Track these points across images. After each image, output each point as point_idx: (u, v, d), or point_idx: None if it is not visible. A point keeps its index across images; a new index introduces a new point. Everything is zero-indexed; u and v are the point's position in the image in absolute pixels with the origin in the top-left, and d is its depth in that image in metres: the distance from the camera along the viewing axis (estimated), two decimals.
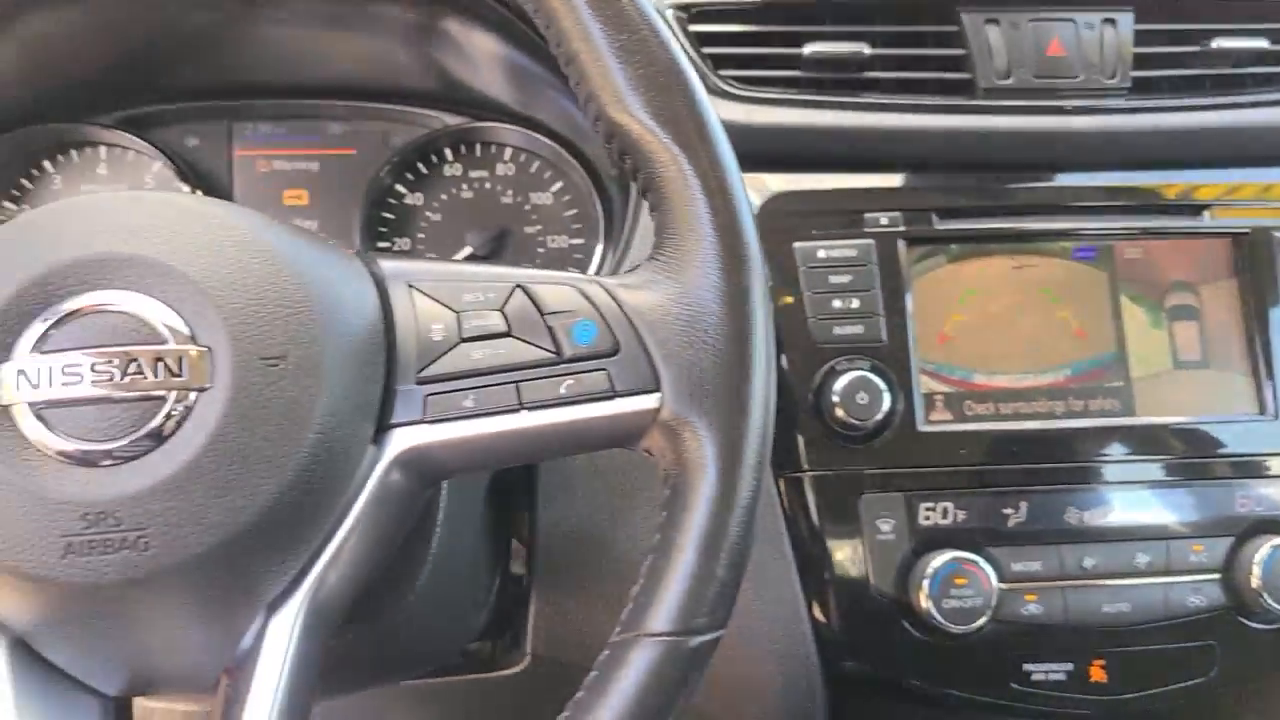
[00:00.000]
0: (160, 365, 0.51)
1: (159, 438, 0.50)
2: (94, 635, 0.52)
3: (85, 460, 0.50)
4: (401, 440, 0.55)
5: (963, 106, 0.88)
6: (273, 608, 0.53)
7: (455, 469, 0.58)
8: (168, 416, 0.50)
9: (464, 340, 0.56)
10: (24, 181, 0.99)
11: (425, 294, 0.57)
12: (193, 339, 0.51)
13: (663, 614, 0.52)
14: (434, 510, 0.70)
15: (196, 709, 0.79)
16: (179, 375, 0.51)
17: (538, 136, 1.01)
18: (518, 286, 0.57)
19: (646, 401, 0.55)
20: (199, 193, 0.99)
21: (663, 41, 0.57)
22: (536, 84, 0.94)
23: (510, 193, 1.04)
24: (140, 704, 0.64)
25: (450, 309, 0.57)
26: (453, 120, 1.03)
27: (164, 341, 0.51)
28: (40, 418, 0.50)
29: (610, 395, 0.55)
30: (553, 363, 0.55)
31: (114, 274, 0.52)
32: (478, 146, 1.04)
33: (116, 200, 0.56)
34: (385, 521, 0.56)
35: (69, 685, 0.54)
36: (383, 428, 0.55)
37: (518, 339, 0.56)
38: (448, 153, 1.04)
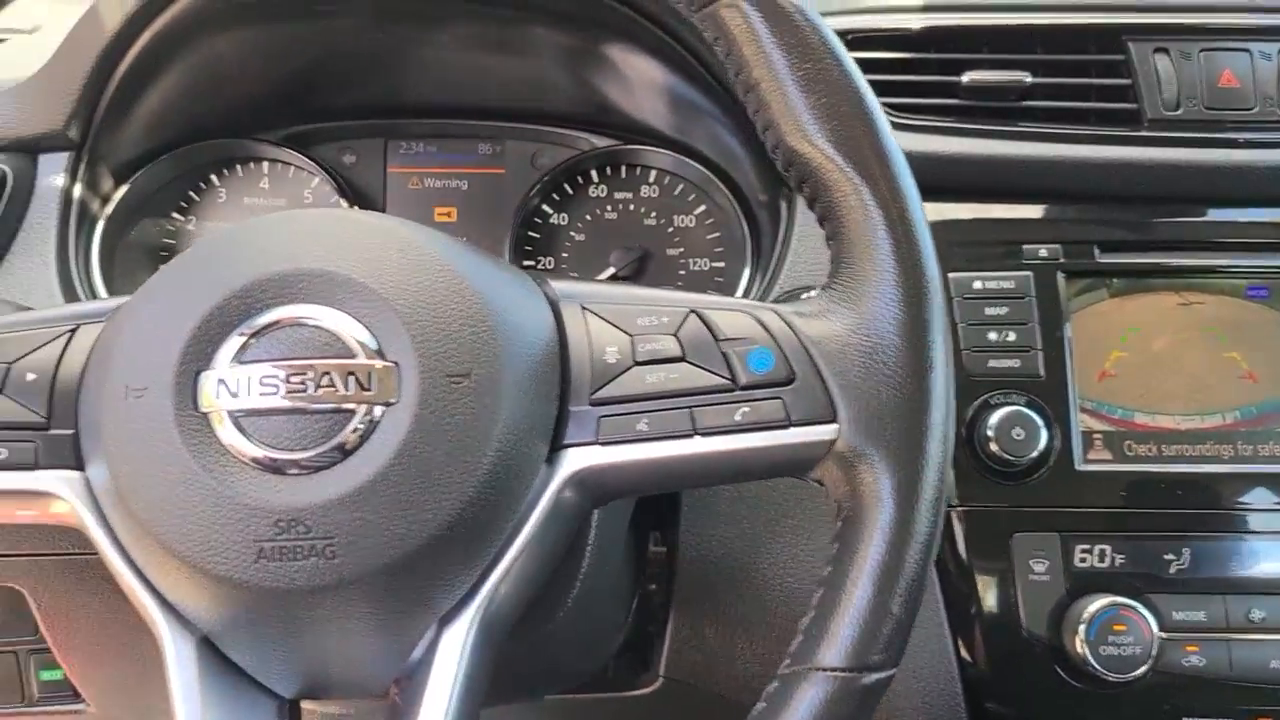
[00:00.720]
0: (351, 379, 0.52)
1: (347, 450, 0.52)
2: (277, 638, 0.54)
3: (278, 468, 0.52)
4: (574, 460, 0.56)
5: (1127, 137, 0.86)
6: (446, 620, 0.54)
7: (625, 490, 0.59)
8: (356, 429, 0.52)
9: (638, 364, 0.56)
10: (191, 194, 1.03)
11: (599, 316, 0.58)
12: (381, 354, 0.53)
13: (836, 648, 0.52)
14: (586, 529, 0.70)
15: (345, 710, 0.81)
16: (368, 389, 0.52)
17: (686, 160, 1.01)
18: (692, 311, 0.57)
19: (822, 432, 0.54)
20: (355, 207, 1.02)
21: (846, 71, 0.57)
22: (690, 109, 0.94)
23: (653, 215, 1.05)
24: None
25: (624, 332, 0.57)
26: (601, 142, 1.04)
27: (354, 356, 0.53)
28: (237, 425, 0.52)
29: (785, 424, 0.54)
30: (728, 389, 0.55)
31: (308, 289, 0.54)
32: (623, 168, 1.05)
33: (310, 218, 0.58)
34: (553, 539, 0.57)
35: (249, 685, 0.56)
36: (556, 447, 0.56)
37: (692, 364, 0.56)
38: (593, 174, 1.05)
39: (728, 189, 1.00)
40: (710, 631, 0.87)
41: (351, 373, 0.52)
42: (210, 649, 0.55)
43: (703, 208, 1.04)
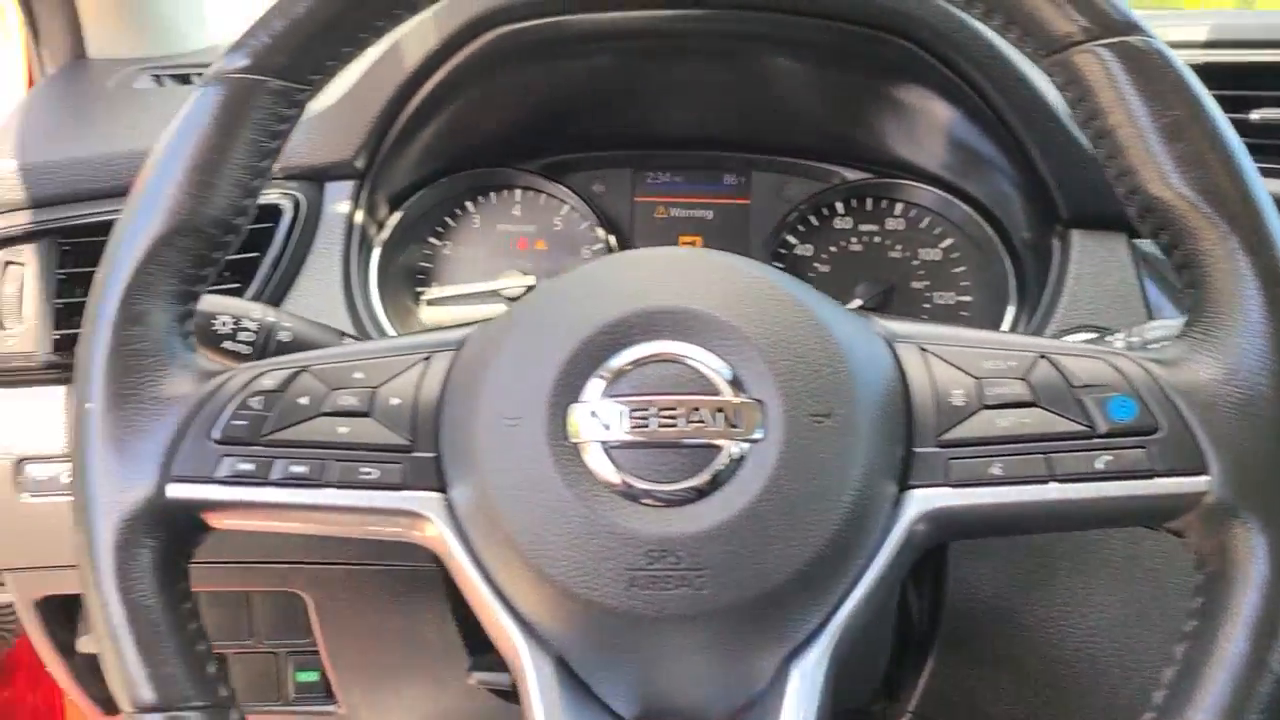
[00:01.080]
0: (719, 415, 0.54)
1: (716, 484, 0.53)
2: (633, 662, 0.55)
3: (648, 499, 0.53)
4: (922, 501, 0.56)
5: None
6: (795, 653, 0.55)
7: (975, 533, 0.59)
8: (724, 464, 0.53)
9: (986, 407, 0.56)
10: (448, 219, 1.08)
11: (940, 358, 0.58)
12: (746, 391, 0.54)
13: (1210, 703, 0.51)
14: None
15: None
16: (736, 426, 0.53)
17: (946, 196, 1.01)
18: (1041, 356, 0.57)
19: (1191, 484, 0.53)
20: (605, 233, 1.05)
21: (1211, 116, 0.56)
22: (962, 147, 0.94)
23: (899, 247, 1.05)
24: None
25: (969, 375, 0.57)
26: (852, 175, 1.05)
27: (720, 393, 0.54)
28: (609, 456, 0.54)
29: (1150, 474, 0.54)
30: (1086, 436, 0.55)
31: (672, 326, 0.55)
32: (869, 200, 1.05)
33: (664, 256, 0.60)
34: (895, 577, 0.57)
35: (595, 704, 0.58)
36: (904, 487, 0.56)
37: (1045, 409, 0.56)
38: (839, 206, 1.06)
39: (990, 226, 0.99)
40: (971, 671, 0.86)
41: (720, 409, 0.54)
42: (563, 667, 0.56)
43: (949, 241, 1.04)
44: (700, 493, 0.53)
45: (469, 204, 1.08)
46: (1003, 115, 0.84)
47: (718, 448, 0.53)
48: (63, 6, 1.06)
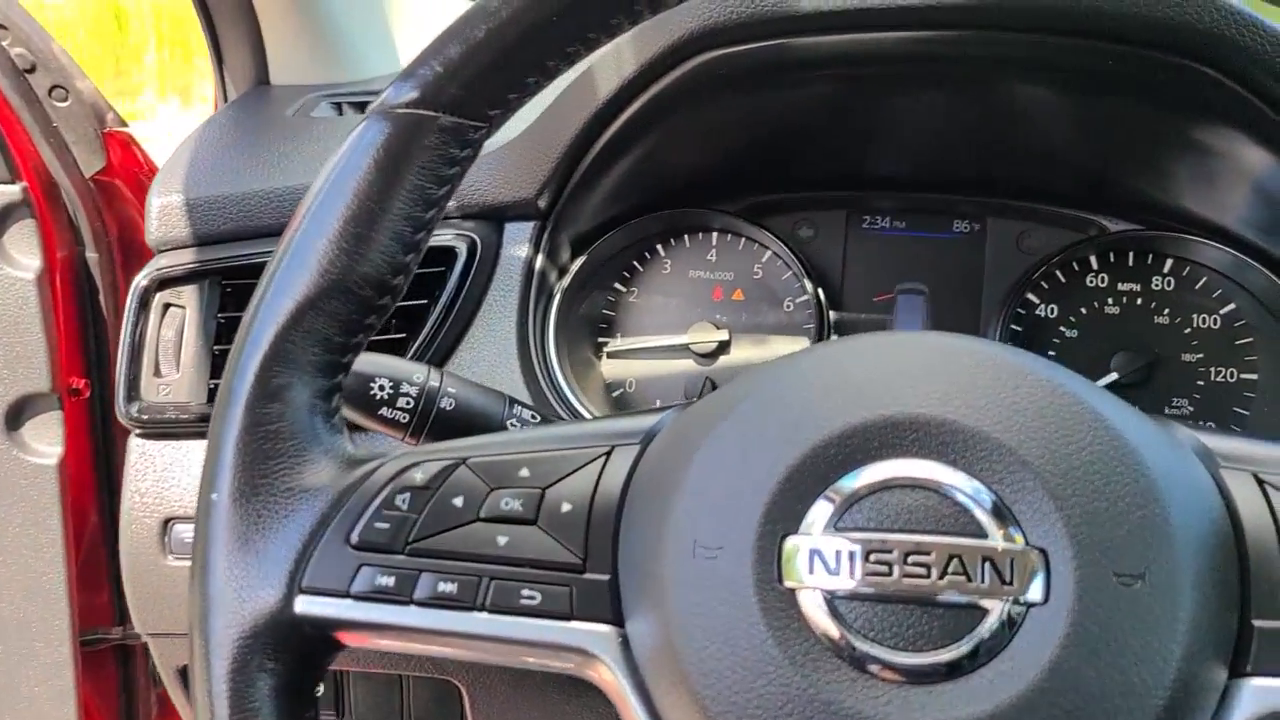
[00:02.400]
0: (986, 565, 0.40)
1: (978, 659, 0.40)
2: None
3: (883, 672, 0.40)
4: (1260, 695, 0.41)
5: None
6: None
7: None
8: (991, 633, 0.40)
9: None
10: (636, 264, 0.97)
11: None
12: (1024, 536, 0.41)
13: None
14: None
15: None
16: (1009, 583, 0.40)
17: (1246, 260, 0.83)
18: None
19: None
20: (812, 285, 0.92)
21: None
22: (1274, 200, 0.76)
23: (1166, 312, 0.88)
24: None
25: None
26: (1113, 225, 0.88)
27: (987, 535, 0.41)
28: (832, 610, 0.41)
29: None
30: None
31: (921, 441, 0.42)
32: (1130, 255, 0.89)
33: (911, 345, 0.47)
34: None
35: None
36: (1237, 673, 0.41)
37: None
38: (1093, 260, 0.90)
39: None
40: None
41: (987, 558, 0.40)
42: None
43: (1231, 307, 0.86)
44: (955, 669, 0.40)
45: (659, 248, 0.97)
46: None
47: (982, 610, 0.40)
48: (247, 29, 1.01)
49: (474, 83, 0.50)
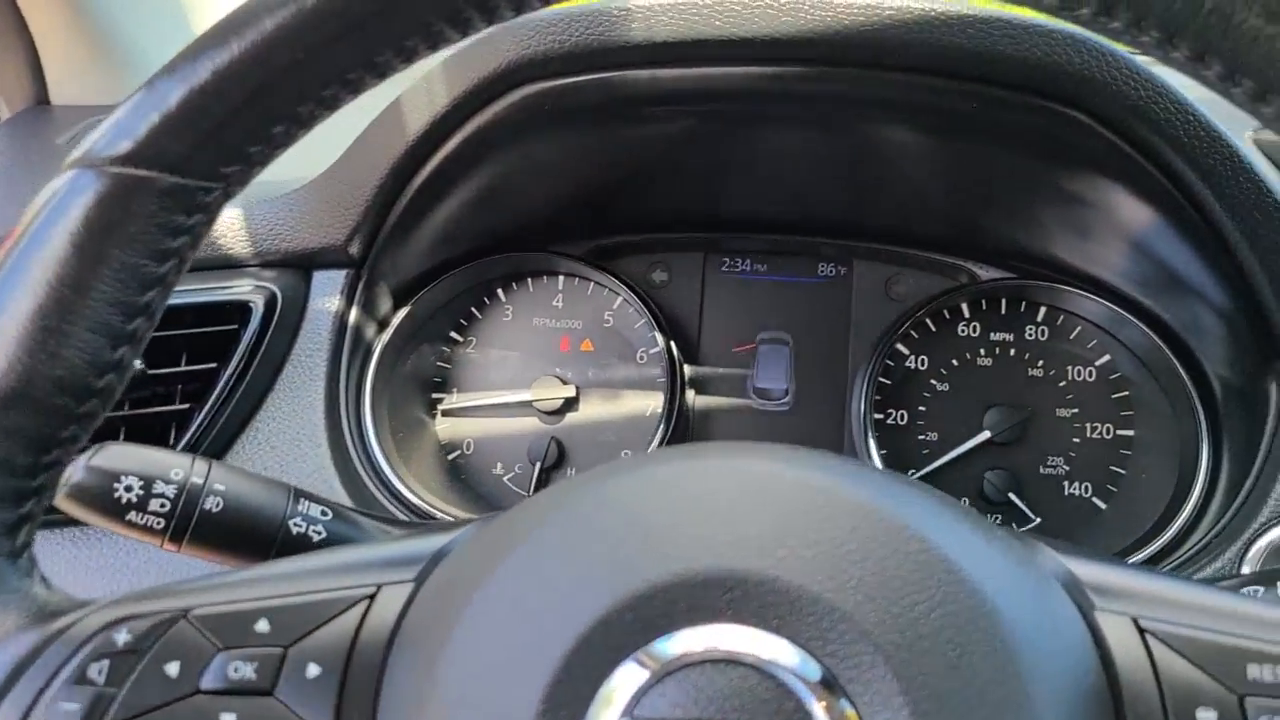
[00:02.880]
0: None
1: None
2: None
3: None
4: None
5: None
6: None
7: None
8: None
9: None
10: (474, 310, 0.87)
11: (1176, 650, 0.36)
12: (855, 711, 0.32)
13: None
14: None
15: None
16: None
17: (1124, 315, 0.77)
18: None
19: None
20: (668, 337, 0.84)
21: None
22: (1156, 260, 0.70)
23: (1040, 364, 0.82)
24: None
25: (1227, 688, 0.35)
26: (984, 272, 0.82)
27: (811, 715, 0.32)
28: None
29: None
30: None
31: (737, 603, 0.34)
32: (1002, 303, 0.83)
33: (731, 471, 0.38)
34: None
35: None
36: None
37: None
38: (964, 308, 0.83)
39: (1175, 354, 0.75)
40: None
41: None
42: None
43: (1106, 358, 0.80)
44: None
45: (500, 293, 0.88)
46: (1213, 218, 0.60)
47: None
48: (19, 41, 0.88)
49: (202, 135, 0.40)
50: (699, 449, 0.40)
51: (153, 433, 0.71)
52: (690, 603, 0.34)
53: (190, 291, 0.73)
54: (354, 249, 0.74)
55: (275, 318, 0.73)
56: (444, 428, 0.86)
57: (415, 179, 0.71)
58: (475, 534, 0.41)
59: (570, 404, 0.85)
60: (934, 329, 0.83)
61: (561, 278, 0.88)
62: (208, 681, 0.38)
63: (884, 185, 0.80)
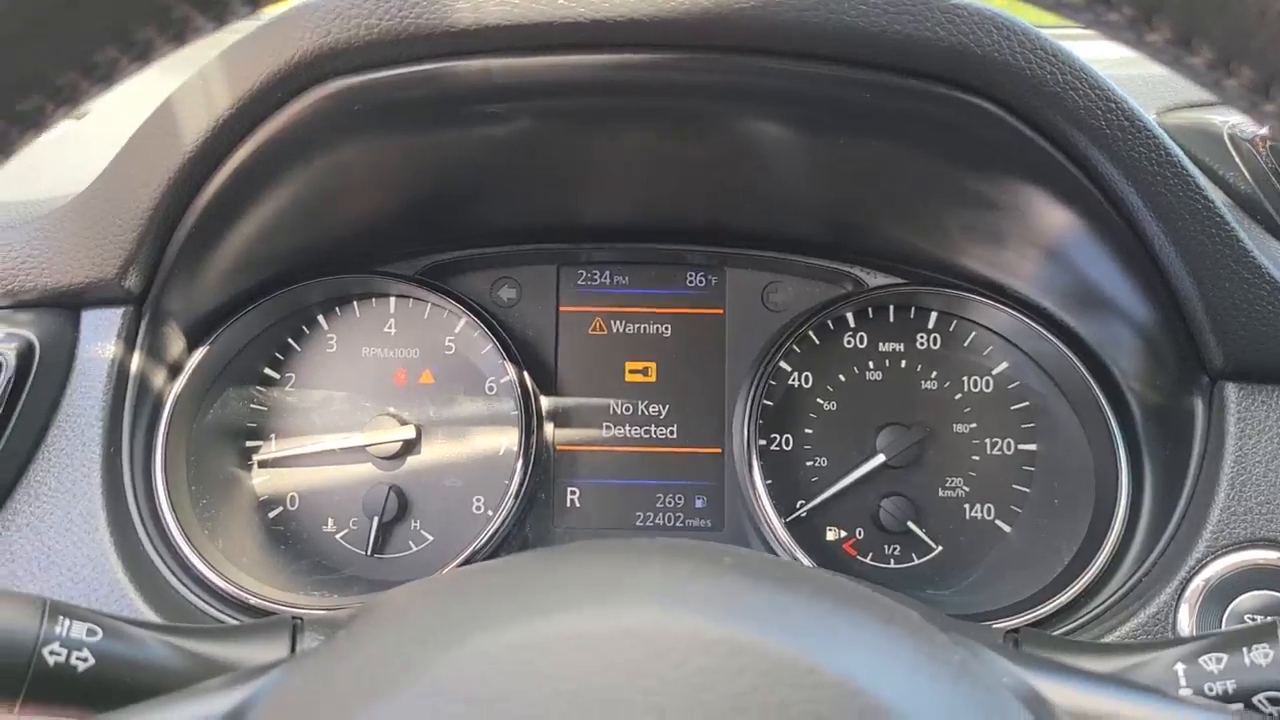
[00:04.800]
0: None
1: None
2: None
3: None
4: None
5: None
6: None
7: None
8: None
9: None
10: (292, 342, 0.75)
11: None
12: None
13: None
14: None
15: None
16: None
17: (1030, 325, 0.70)
18: None
19: None
20: (513, 366, 0.73)
21: None
22: (1067, 266, 0.62)
23: (934, 375, 0.74)
24: None
25: None
26: (870, 278, 0.73)
27: None
28: None
29: None
30: None
31: None
32: (890, 311, 0.75)
33: (597, 621, 0.28)
34: None
35: None
36: None
37: None
38: (849, 318, 0.75)
39: (1085, 365, 0.68)
40: None
41: None
42: None
43: (1004, 366, 0.74)
44: None
45: (321, 319, 0.75)
46: (1136, 221, 0.53)
47: None
48: None
49: None
50: (546, 588, 0.30)
51: None
52: None
53: None
54: (130, 282, 0.60)
55: (33, 371, 0.59)
56: (261, 481, 0.74)
57: (199, 197, 0.58)
58: (279, 696, 0.30)
59: (410, 446, 0.74)
60: (817, 341, 0.75)
61: (393, 300, 0.76)
62: None
63: (757, 186, 0.70)
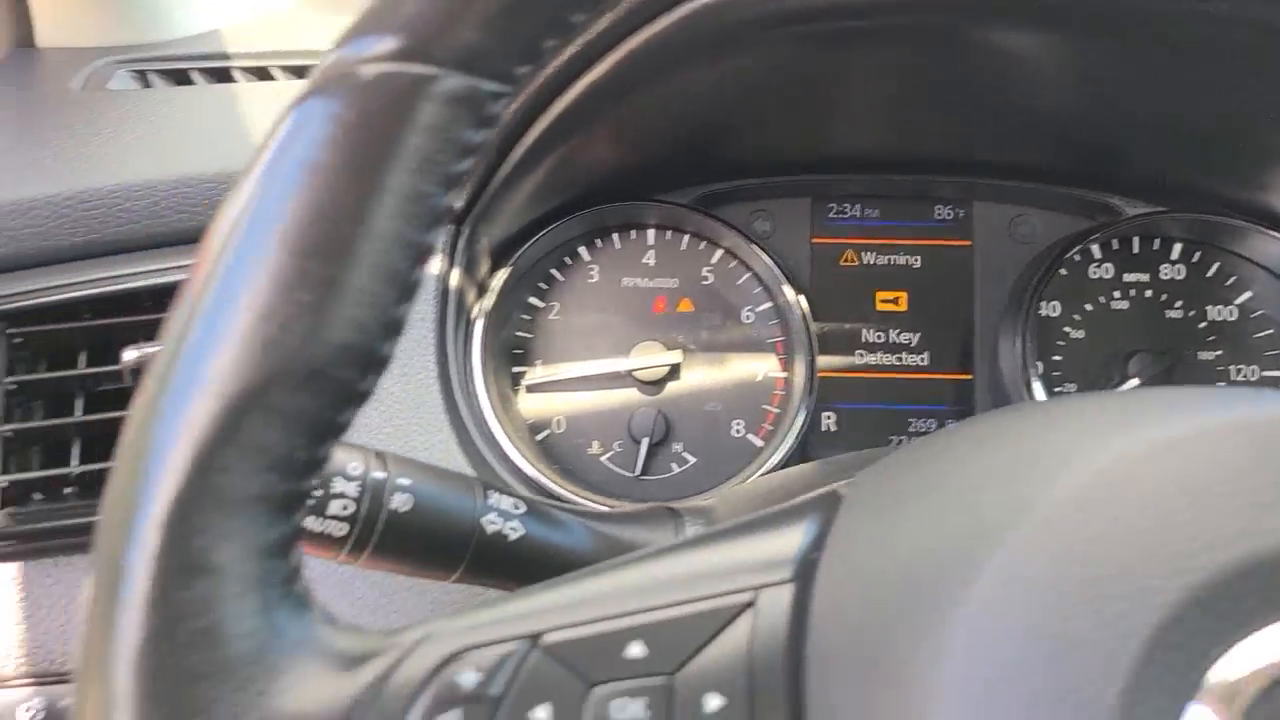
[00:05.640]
0: None
1: None
2: None
3: None
4: None
5: None
6: None
7: None
8: None
9: None
10: (554, 274, 0.78)
11: None
12: None
13: None
14: None
15: None
16: None
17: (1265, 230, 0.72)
18: None
19: None
20: (769, 293, 0.76)
21: None
22: None
23: (1179, 305, 0.77)
24: None
25: None
26: (1130, 207, 0.76)
27: None
28: None
29: None
30: None
31: None
32: (1135, 241, 0.77)
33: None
34: None
35: None
36: None
37: None
38: (1095, 249, 0.77)
39: None
40: None
41: None
42: None
43: (1247, 294, 0.76)
44: None
45: (583, 252, 0.78)
46: None
47: None
48: None
49: (498, 19, 0.31)
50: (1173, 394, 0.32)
51: None
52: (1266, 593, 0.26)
53: None
54: (457, 200, 0.63)
55: None
56: (529, 405, 0.77)
57: (544, 116, 0.61)
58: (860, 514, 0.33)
59: (673, 371, 0.77)
60: (1064, 271, 0.77)
61: (651, 232, 0.79)
62: None
63: (1010, 110, 0.72)
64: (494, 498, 0.49)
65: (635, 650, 0.30)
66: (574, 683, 0.29)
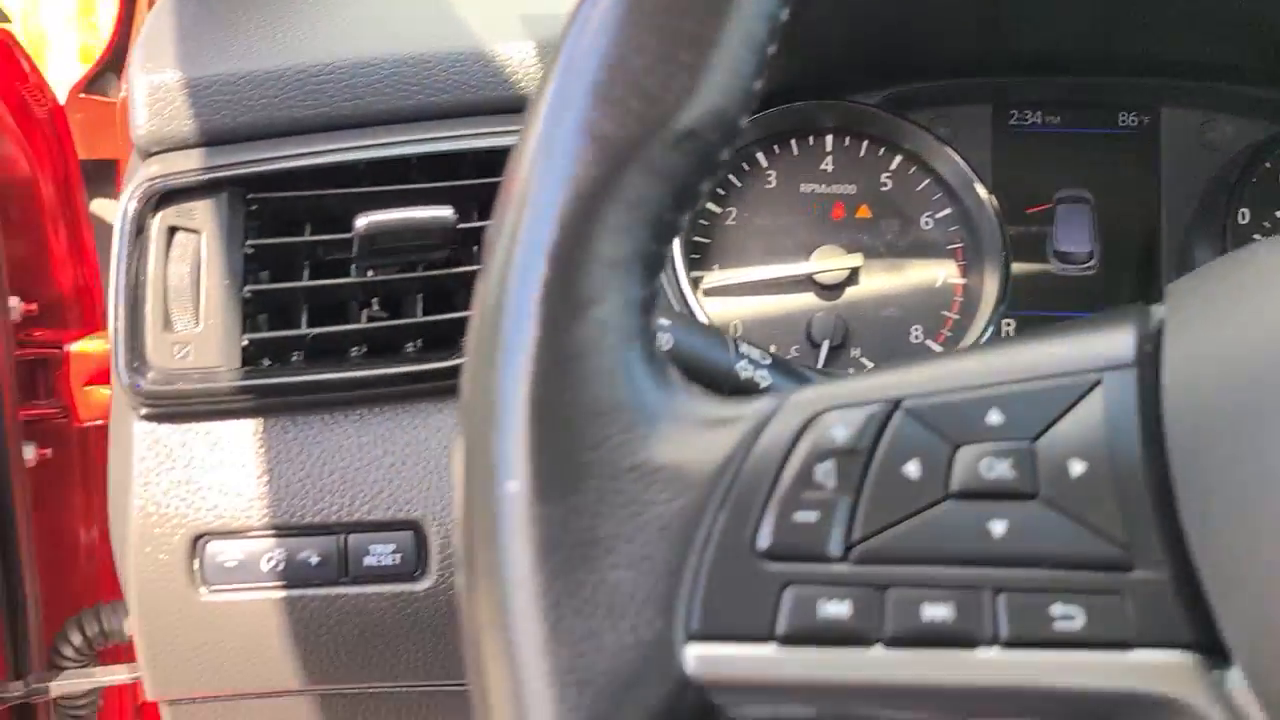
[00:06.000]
0: None
1: None
2: None
3: None
4: None
5: None
6: None
7: None
8: None
9: None
10: (731, 178, 0.78)
11: None
12: None
13: None
14: None
15: None
16: None
17: None
18: None
19: None
20: (951, 198, 0.75)
21: None
22: None
23: None
24: None
25: None
26: None
27: None
28: None
29: None
30: None
31: None
32: None
33: None
34: None
35: None
36: None
37: None
38: None
39: None
40: None
41: None
42: None
43: None
44: None
45: (760, 157, 0.78)
46: None
47: None
48: None
49: None
50: None
51: None
52: None
53: None
54: None
55: None
56: (708, 307, 0.77)
57: None
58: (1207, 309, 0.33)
59: (852, 276, 0.77)
60: (1255, 180, 0.76)
61: (830, 137, 0.78)
62: (958, 483, 0.30)
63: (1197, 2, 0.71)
64: (744, 347, 0.49)
65: (994, 418, 0.30)
66: (939, 443, 0.30)
